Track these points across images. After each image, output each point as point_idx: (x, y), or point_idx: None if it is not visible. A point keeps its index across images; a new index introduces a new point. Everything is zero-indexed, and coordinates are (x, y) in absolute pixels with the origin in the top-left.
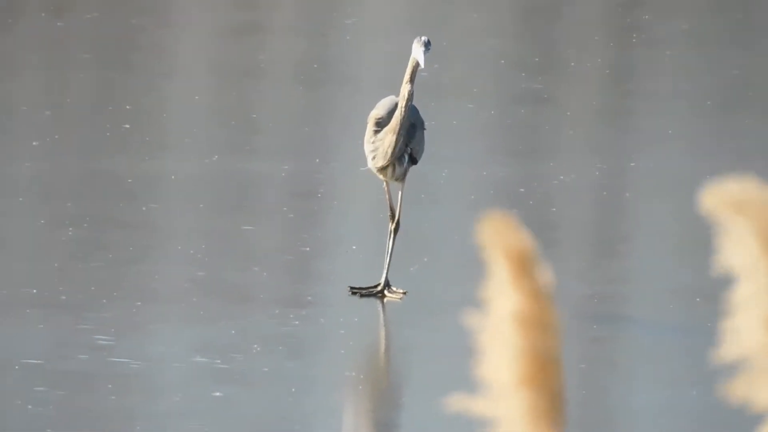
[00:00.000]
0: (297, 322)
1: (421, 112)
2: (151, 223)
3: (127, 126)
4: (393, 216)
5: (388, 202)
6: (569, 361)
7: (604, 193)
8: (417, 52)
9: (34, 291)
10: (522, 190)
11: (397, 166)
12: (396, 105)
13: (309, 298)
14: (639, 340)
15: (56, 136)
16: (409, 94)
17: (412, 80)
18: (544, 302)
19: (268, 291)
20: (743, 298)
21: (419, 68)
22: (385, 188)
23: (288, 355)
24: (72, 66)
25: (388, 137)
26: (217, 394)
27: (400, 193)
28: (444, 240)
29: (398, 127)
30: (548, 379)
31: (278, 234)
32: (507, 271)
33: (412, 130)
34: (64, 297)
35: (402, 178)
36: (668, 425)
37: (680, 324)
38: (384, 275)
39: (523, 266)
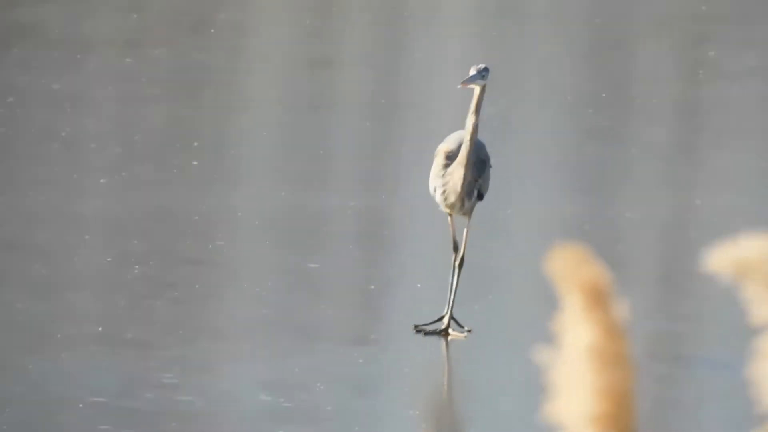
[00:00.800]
0: (361, 360)
1: (487, 148)
2: (217, 260)
3: (195, 163)
4: (456, 250)
5: (452, 236)
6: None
7: (671, 230)
8: (470, 75)
9: (100, 329)
10: (588, 227)
11: (465, 200)
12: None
13: (373, 336)
14: (706, 380)
15: (124, 173)
16: (473, 126)
17: (477, 111)
18: (618, 337)
19: (333, 329)
20: None
21: (479, 97)
22: (450, 222)
23: (352, 393)
24: (141, 102)
25: (458, 171)
26: None
27: (465, 228)
28: (510, 277)
29: (465, 160)
30: (622, 417)
31: (344, 271)
32: (580, 304)
33: (481, 165)
34: (130, 335)
35: (469, 213)
36: None
37: (747, 364)
38: (448, 312)
39: (597, 299)
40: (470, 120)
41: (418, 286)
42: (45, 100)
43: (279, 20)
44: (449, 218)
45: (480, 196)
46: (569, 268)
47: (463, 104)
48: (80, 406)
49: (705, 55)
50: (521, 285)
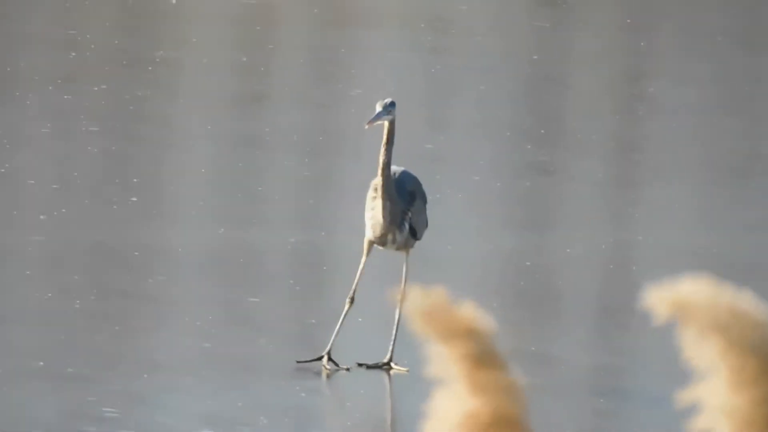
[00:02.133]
0: (303, 394)
1: (425, 184)
2: (157, 294)
3: (134, 199)
4: (352, 298)
5: (355, 282)
6: None
7: (611, 266)
8: (377, 113)
9: (41, 363)
10: (528, 263)
11: (397, 234)
12: (397, 173)
13: (315, 369)
14: (643, 414)
15: (63, 210)
16: (383, 162)
17: (386, 145)
18: (496, 366)
19: (274, 363)
20: (705, 394)
21: (390, 131)
22: (361, 269)
23: (295, 427)
24: (79, 138)
25: (378, 202)
26: None
27: (404, 266)
28: None
29: (381, 191)
30: None
31: (284, 305)
32: (446, 342)
33: (409, 197)
34: (71, 369)
35: (403, 247)
36: None
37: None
38: (390, 348)
39: (464, 336)
40: (381, 155)
41: (360, 320)
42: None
43: (216, 58)
44: (361, 267)
45: (414, 232)
46: (431, 311)
47: (401, 141)
48: None
49: (644, 90)
50: None
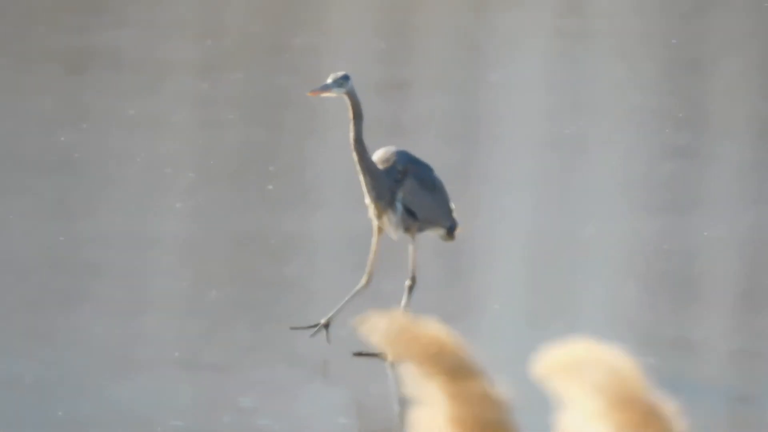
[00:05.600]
0: None
1: (566, 168)
2: (295, 283)
3: (271, 186)
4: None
5: (369, 261)
6: (717, 420)
7: (752, 248)
8: (324, 84)
9: (177, 353)
10: (666, 246)
11: (390, 214)
12: (391, 153)
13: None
14: None
15: (200, 197)
16: (352, 135)
17: (354, 119)
18: (487, 405)
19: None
20: None
21: (354, 105)
22: (373, 248)
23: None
24: (216, 126)
25: (361, 179)
26: None
27: (411, 246)
28: (586, 296)
29: (359, 166)
30: None
31: (422, 293)
32: (429, 373)
33: (399, 176)
34: (208, 358)
35: (404, 230)
36: None
37: None
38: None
39: (449, 369)
40: (350, 130)
41: (496, 307)
42: (120, 124)
43: (354, 44)
44: (373, 246)
45: (412, 214)
46: (397, 334)
47: (540, 126)
48: (158, 429)
49: None
50: (597, 306)
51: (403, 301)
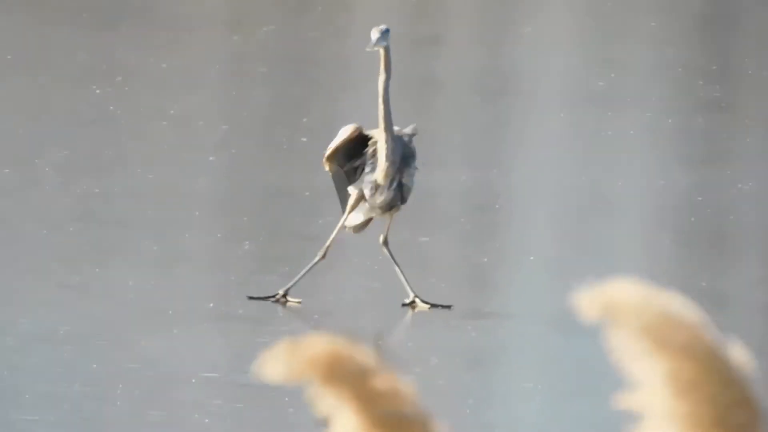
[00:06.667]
0: (474, 334)
1: (596, 122)
2: (327, 235)
3: (304, 139)
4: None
5: (333, 236)
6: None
7: None
8: (375, 38)
9: (211, 304)
10: (700, 198)
11: (385, 191)
12: (356, 130)
13: (487, 309)
14: None
15: (233, 151)
16: (383, 86)
17: (386, 71)
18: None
19: (445, 302)
20: (646, 400)
21: (386, 59)
22: (343, 224)
23: (466, 367)
24: (248, 80)
25: (381, 139)
26: None
27: (389, 218)
28: (621, 250)
29: (384, 123)
30: None
31: (456, 245)
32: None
33: (405, 161)
34: (241, 311)
35: (387, 211)
36: None
37: None
38: (407, 287)
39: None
40: (381, 79)
41: (531, 258)
42: (153, 79)
43: None
44: (347, 215)
45: (403, 198)
46: (314, 357)
47: (571, 80)
48: (192, 381)
49: None
50: (630, 258)
51: (390, 257)
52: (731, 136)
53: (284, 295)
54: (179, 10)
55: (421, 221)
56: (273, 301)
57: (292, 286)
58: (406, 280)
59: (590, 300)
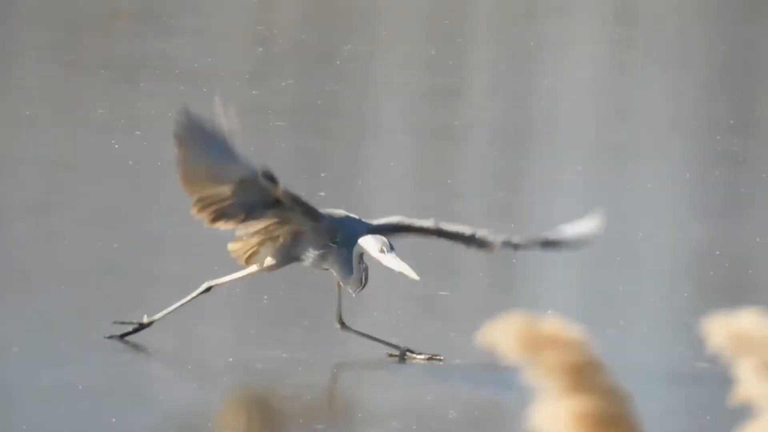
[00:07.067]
0: (495, 388)
1: (612, 173)
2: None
3: (323, 193)
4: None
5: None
6: None
7: None
8: (391, 263)
9: (231, 359)
10: (718, 252)
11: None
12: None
13: (507, 363)
14: None
15: None
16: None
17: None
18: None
19: (464, 356)
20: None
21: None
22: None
23: (487, 420)
24: (268, 134)
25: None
26: None
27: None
28: (639, 303)
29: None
30: None
31: (474, 298)
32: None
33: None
34: (260, 365)
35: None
36: None
37: None
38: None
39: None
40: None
41: (549, 312)
42: (172, 132)
43: (405, 51)
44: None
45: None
46: (519, 333)
47: (593, 132)
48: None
49: None
50: (653, 312)
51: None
52: (749, 189)
53: (150, 323)
54: (199, 64)
55: (440, 275)
56: (136, 328)
57: (159, 317)
58: (384, 341)
59: (718, 330)
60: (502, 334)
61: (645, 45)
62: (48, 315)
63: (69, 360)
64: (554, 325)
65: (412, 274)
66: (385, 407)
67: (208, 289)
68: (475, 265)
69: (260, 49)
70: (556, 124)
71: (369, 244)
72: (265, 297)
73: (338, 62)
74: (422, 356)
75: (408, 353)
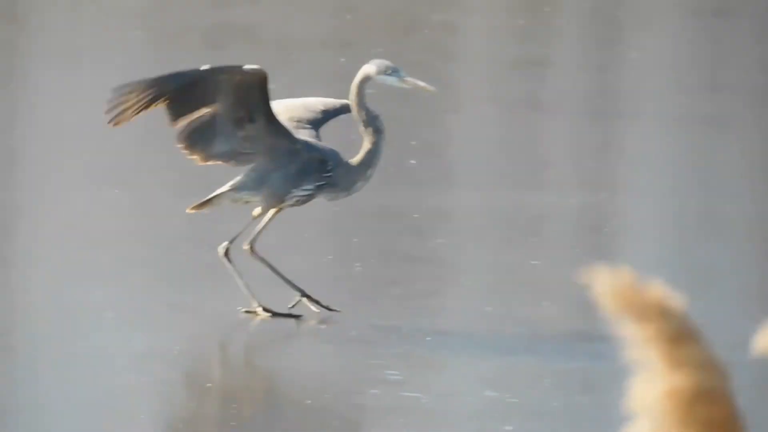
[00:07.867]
0: (587, 357)
1: (702, 147)
2: (438, 257)
3: (413, 161)
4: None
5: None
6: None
7: None
8: (390, 82)
9: (324, 326)
10: None
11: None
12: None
13: (597, 333)
14: None
15: None
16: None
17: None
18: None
19: (557, 325)
20: None
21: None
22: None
23: (580, 389)
24: None
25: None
26: (509, 428)
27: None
28: (730, 276)
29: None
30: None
31: (566, 268)
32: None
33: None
34: (353, 332)
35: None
36: None
37: None
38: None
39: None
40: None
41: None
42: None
43: (492, 20)
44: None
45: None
46: (621, 290)
47: (678, 101)
48: (308, 402)
49: None
50: (738, 284)
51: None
52: None
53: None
54: (285, 32)
55: (531, 244)
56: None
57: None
58: (287, 279)
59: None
60: (607, 290)
61: (732, 16)
62: (139, 281)
63: (161, 327)
64: (658, 291)
65: (429, 87)
66: (478, 377)
67: (226, 253)
68: (566, 235)
69: (348, 16)
70: (645, 95)
71: (376, 70)
72: (357, 265)
73: (426, 31)
74: (316, 306)
75: (305, 299)
